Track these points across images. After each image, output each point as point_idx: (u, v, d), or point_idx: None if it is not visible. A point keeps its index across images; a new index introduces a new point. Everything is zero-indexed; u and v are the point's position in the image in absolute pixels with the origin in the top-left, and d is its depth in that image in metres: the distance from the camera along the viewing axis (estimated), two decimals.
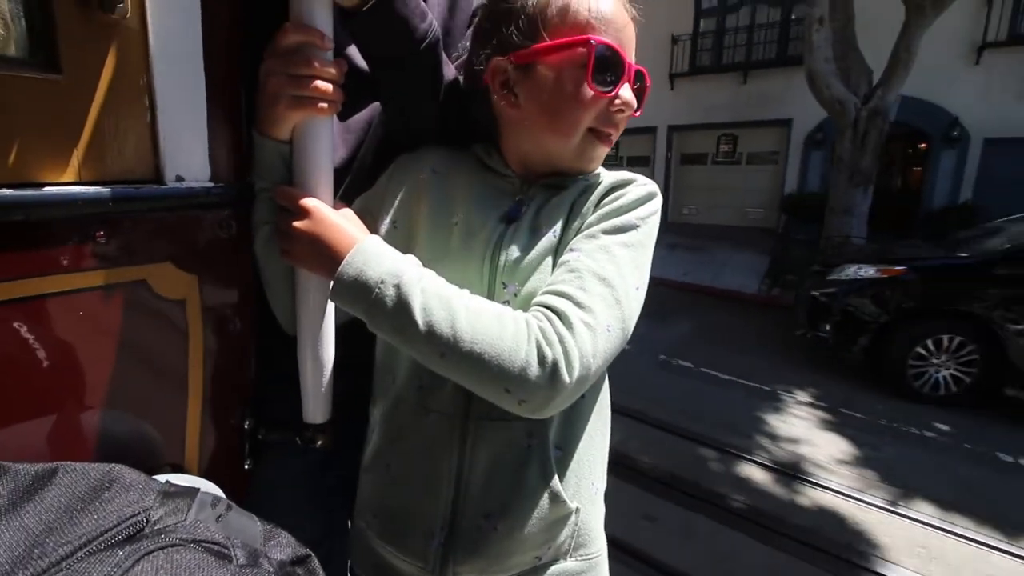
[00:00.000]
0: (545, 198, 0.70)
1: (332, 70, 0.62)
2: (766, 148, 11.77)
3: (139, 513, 0.39)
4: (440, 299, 0.57)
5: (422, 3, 0.67)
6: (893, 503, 2.85)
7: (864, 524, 2.68)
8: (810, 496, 2.92)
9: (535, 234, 0.66)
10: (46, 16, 0.48)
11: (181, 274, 0.63)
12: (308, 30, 0.60)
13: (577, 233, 0.66)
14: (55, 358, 0.54)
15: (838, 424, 3.78)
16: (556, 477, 0.66)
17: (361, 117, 0.79)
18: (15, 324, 0.51)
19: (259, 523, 0.46)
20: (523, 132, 0.70)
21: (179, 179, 0.60)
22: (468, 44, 0.76)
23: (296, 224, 0.63)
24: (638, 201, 0.67)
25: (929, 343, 4.05)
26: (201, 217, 0.64)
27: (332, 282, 0.61)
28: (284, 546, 0.46)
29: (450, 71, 0.76)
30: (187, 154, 0.61)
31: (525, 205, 0.69)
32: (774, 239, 9.29)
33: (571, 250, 0.63)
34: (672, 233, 10.58)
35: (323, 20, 0.61)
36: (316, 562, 0.46)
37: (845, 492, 2.93)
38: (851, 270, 4.49)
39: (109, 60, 0.53)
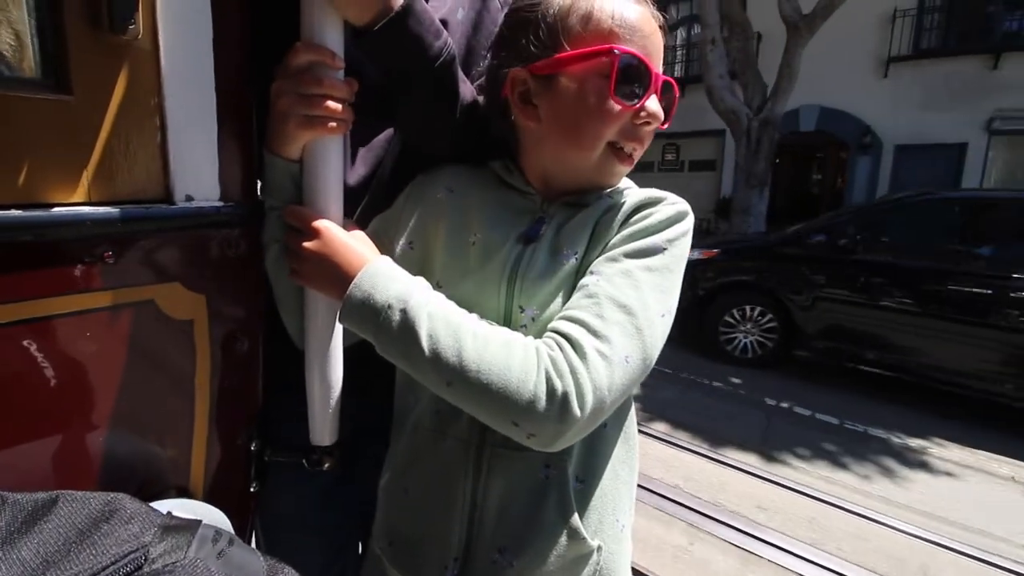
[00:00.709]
0: (566, 216, 0.66)
1: (343, 89, 0.62)
2: (705, 156, 12.90)
3: (138, 549, 0.38)
4: (447, 325, 0.55)
5: (437, 21, 0.66)
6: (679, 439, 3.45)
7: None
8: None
9: (555, 256, 0.63)
10: (57, 37, 0.48)
11: (189, 294, 0.62)
12: (319, 49, 0.60)
13: (600, 256, 0.62)
14: (62, 378, 0.54)
15: (671, 382, 4.47)
16: (575, 512, 0.62)
17: (380, 136, 0.78)
18: (23, 344, 0.51)
19: (262, 559, 0.44)
20: (543, 146, 0.67)
21: (189, 199, 0.60)
22: (487, 58, 0.74)
23: (305, 244, 0.62)
24: (666, 222, 0.63)
25: (735, 313, 4.84)
26: (210, 236, 0.63)
27: (341, 304, 0.60)
28: None
29: (468, 90, 0.74)
30: (197, 173, 0.60)
31: (545, 224, 0.66)
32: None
33: (591, 273, 0.60)
34: None
35: (334, 39, 0.61)
36: None
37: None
38: (693, 254, 4.98)
39: (120, 81, 0.53)
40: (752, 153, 7.38)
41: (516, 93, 0.66)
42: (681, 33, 12.75)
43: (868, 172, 9.77)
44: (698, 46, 8.09)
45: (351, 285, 0.58)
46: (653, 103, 0.63)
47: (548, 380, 0.52)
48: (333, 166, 0.65)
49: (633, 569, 0.83)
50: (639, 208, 0.64)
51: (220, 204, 0.62)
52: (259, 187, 0.70)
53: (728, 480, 2.99)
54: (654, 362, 0.58)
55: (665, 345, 0.60)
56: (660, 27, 0.64)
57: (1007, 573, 2.32)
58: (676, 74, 12.43)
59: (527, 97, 0.66)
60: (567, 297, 0.61)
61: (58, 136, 0.50)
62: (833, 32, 7.78)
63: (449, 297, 0.60)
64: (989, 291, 3.76)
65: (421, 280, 0.60)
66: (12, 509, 0.39)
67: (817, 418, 3.88)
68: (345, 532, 0.93)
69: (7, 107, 0.46)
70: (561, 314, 0.58)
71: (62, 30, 0.48)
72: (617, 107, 0.61)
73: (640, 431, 0.79)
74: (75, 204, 0.52)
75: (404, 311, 0.55)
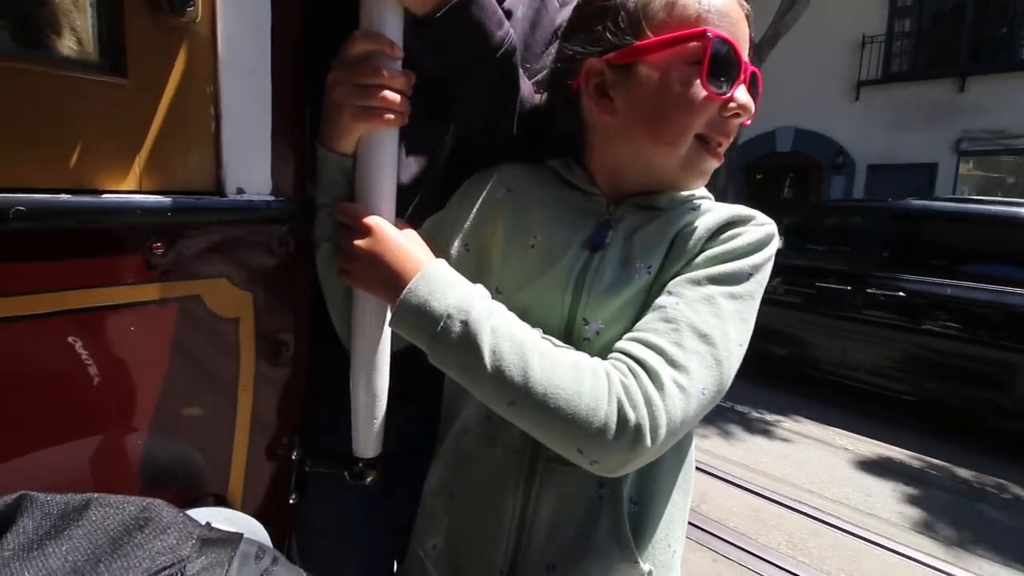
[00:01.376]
0: (637, 222, 0.62)
1: (400, 80, 0.58)
2: None
3: (174, 564, 0.35)
4: (512, 342, 0.52)
5: (499, 10, 0.63)
6: None
7: None
8: None
9: (626, 267, 0.59)
10: (114, 16, 0.47)
11: (236, 291, 0.60)
12: (377, 38, 0.57)
13: (678, 274, 0.58)
14: (102, 373, 0.52)
15: None
16: (629, 534, 0.60)
17: (434, 133, 0.75)
18: (64, 336, 0.49)
19: None
20: (619, 142, 0.63)
21: (240, 191, 0.57)
22: (552, 53, 0.70)
23: (357, 243, 0.59)
24: (755, 246, 0.58)
25: None
26: (260, 232, 0.61)
27: (393, 308, 0.56)
28: None
29: (527, 86, 0.71)
30: (250, 166, 0.58)
31: (612, 229, 0.62)
32: None
33: (668, 293, 0.56)
34: None
35: (393, 28, 0.58)
36: None
37: None
38: None
39: (176, 65, 0.51)
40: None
41: (591, 85, 0.62)
42: None
43: (842, 191, 9.99)
44: None
45: (406, 289, 0.55)
46: (743, 93, 0.59)
47: (620, 409, 0.50)
48: (388, 162, 0.61)
49: None
50: (726, 226, 0.60)
51: (271, 199, 0.60)
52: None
53: None
54: (726, 392, 0.55)
55: None
56: (746, 15, 0.60)
57: (802, 516, 2.89)
58: None
59: (603, 89, 0.61)
60: (637, 314, 0.57)
61: (111, 120, 0.49)
62: (806, 57, 8.74)
63: (509, 306, 0.57)
64: (849, 287, 4.25)
65: (480, 288, 0.57)
66: (41, 511, 0.36)
67: None
68: (383, 550, 0.89)
69: (60, 87, 0.45)
70: (634, 335, 0.55)
71: (120, 8, 0.47)
72: (706, 95, 0.56)
73: None
74: (125, 192, 0.51)
75: (465, 323, 0.52)
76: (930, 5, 9.09)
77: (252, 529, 0.62)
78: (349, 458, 0.70)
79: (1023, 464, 3.61)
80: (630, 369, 0.52)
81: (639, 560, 0.60)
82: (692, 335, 0.53)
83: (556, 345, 0.55)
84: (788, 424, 4.09)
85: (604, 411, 0.49)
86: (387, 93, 0.57)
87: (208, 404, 0.62)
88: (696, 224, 0.60)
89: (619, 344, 0.55)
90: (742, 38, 0.59)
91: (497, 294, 0.61)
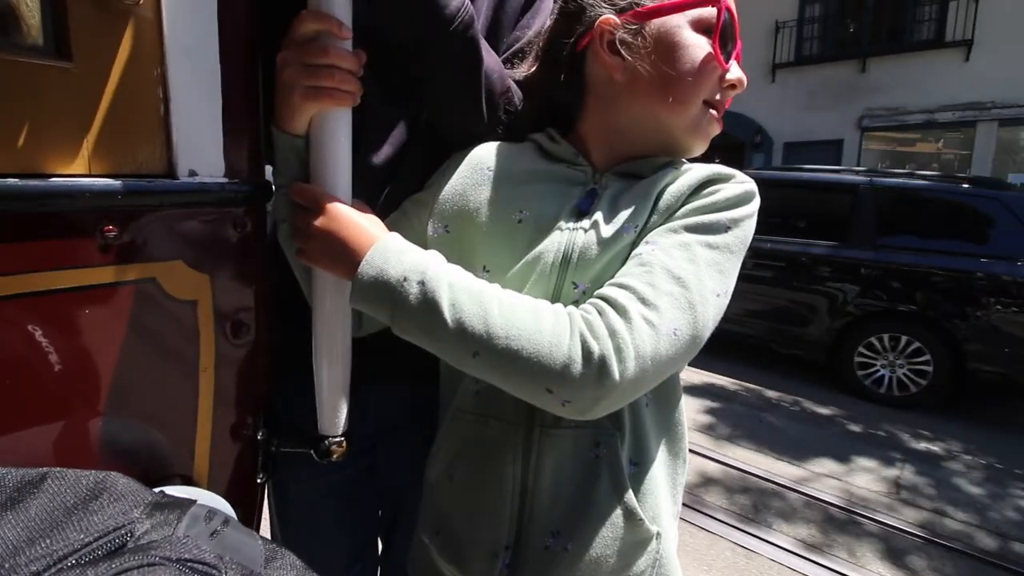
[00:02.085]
0: (622, 187, 0.63)
1: (350, 60, 0.59)
2: None
3: (123, 526, 0.35)
4: (470, 293, 0.52)
5: None
6: None
7: None
8: None
9: (612, 227, 0.59)
10: (57, 1, 0.46)
11: (193, 273, 0.60)
12: (325, 17, 0.58)
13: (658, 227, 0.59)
14: (58, 358, 0.52)
15: None
16: (631, 491, 0.60)
17: (403, 113, 0.74)
18: (15, 321, 0.49)
19: (260, 541, 0.42)
20: (626, 102, 0.64)
21: (192, 174, 0.58)
22: (530, 25, 0.73)
23: (311, 222, 0.60)
24: (734, 200, 0.59)
25: None
26: (215, 214, 0.61)
27: (351, 283, 0.57)
28: (287, 568, 0.42)
29: (493, 60, 0.71)
30: (201, 148, 0.58)
31: (598, 196, 0.63)
32: None
33: (646, 243, 0.57)
34: None
35: (341, 8, 0.59)
36: None
37: None
38: None
39: (122, 49, 0.51)
40: None
41: (605, 41, 0.63)
42: None
43: (761, 167, 10.88)
44: None
45: (362, 262, 0.55)
46: (737, 68, 0.63)
47: (584, 342, 0.49)
48: (340, 142, 0.63)
49: None
50: (707, 183, 0.61)
51: (225, 180, 0.61)
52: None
53: None
54: (704, 342, 0.55)
55: None
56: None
57: None
58: None
59: (615, 48, 0.62)
60: (621, 270, 0.58)
61: (58, 104, 0.48)
62: None
63: (501, 284, 0.57)
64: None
65: (435, 252, 0.58)
66: None
67: None
68: (366, 529, 0.91)
69: (4, 71, 0.45)
70: (610, 281, 0.55)
71: None
72: (715, 61, 0.60)
73: None
74: (74, 175, 0.50)
75: (422, 282, 0.53)
76: None
77: (215, 502, 0.63)
78: (315, 436, 0.72)
79: (824, 385, 4.37)
80: (596, 308, 0.52)
81: (644, 518, 0.60)
82: (665, 276, 0.53)
83: (518, 295, 0.55)
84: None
85: (567, 345, 0.49)
86: (336, 74, 0.58)
87: (169, 386, 0.62)
88: (677, 182, 0.61)
89: (596, 292, 0.55)
90: (736, 17, 0.63)
91: (484, 273, 0.61)
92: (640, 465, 0.62)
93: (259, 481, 0.75)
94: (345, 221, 0.59)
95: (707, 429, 3.56)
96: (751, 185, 0.61)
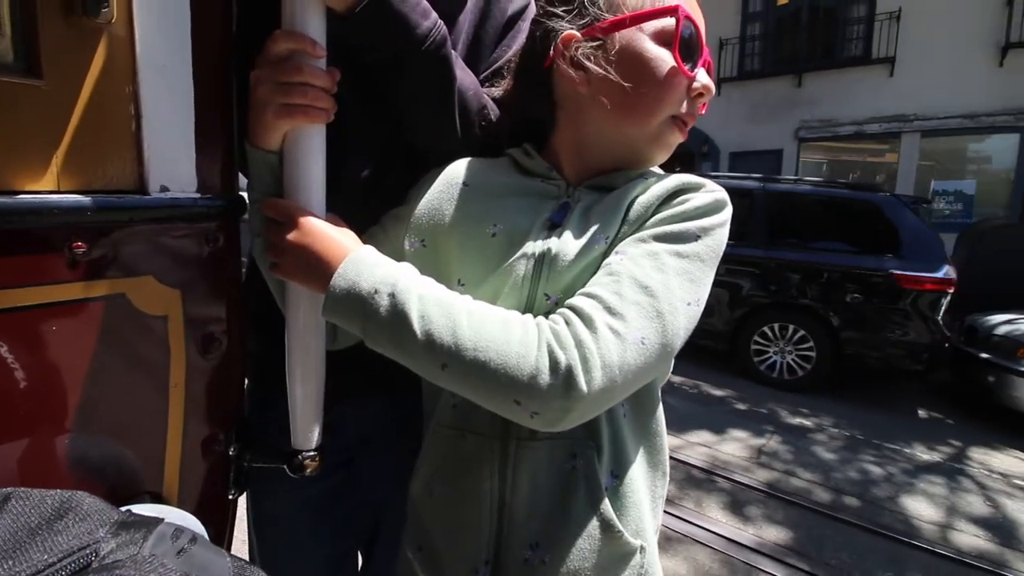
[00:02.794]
0: (593, 200, 0.64)
1: (323, 78, 0.60)
2: None
3: (88, 546, 0.35)
4: (440, 305, 0.53)
5: (424, 1, 0.64)
6: None
7: None
8: None
9: (583, 239, 0.59)
10: (28, 18, 0.46)
11: (163, 289, 0.60)
12: (298, 37, 0.59)
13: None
14: (25, 375, 0.51)
15: None
16: (609, 506, 0.60)
17: (380, 130, 0.74)
18: None
19: (228, 559, 0.42)
20: (591, 115, 0.64)
21: (164, 189, 0.58)
22: (510, 44, 0.74)
23: (284, 236, 0.60)
24: (704, 209, 0.59)
25: None
26: (186, 229, 0.61)
27: (324, 296, 0.57)
28: None
29: (469, 78, 0.72)
30: (173, 164, 0.59)
31: (571, 208, 0.63)
32: None
33: (616, 253, 0.57)
34: None
35: (315, 27, 0.60)
36: None
37: None
38: None
39: (93, 66, 0.51)
40: None
41: (568, 57, 0.63)
42: None
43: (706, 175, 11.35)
44: None
45: (334, 275, 0.55)
46: (704, 76, 0.63)
47: (551, 353, 0.49)
48: (314, 157, 0.64)
49: None
50: (676, 193, 0.61)
51: (197, 196, 0.61)
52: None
53: None
54: (676, 351, 0.55)
55: None
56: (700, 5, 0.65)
57: None
58: None
59: (578, 62, 0.63)
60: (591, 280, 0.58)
61: (27, 121, 0.48)
62: None
63: (474, 296, 0.57)
64: None
65: (407, 264, 0.58)
66: None
67: None
68: (345, 542, 0.90)
69: None
70: (579, 291, 0.55)
71: (32, 11, 0.46)
72: (678, 72, 0.61)
73: None
74: (43, 192, 0.50)
75: (392, 295, 0.53)
76: (774, 11, 10.27)
77: (184, 520, 0.62)
78: (289, 451, 0.72)
79: (726, 371, 4.88)
80: (564, 318, 0.52)
81: (622, 530, 0.60)
82: (632, 286, 0.52)
83: (488, 305, 0.55)
84: None
85: (534, 356, 0.49)
86: (310, 92, 0.59)
87: (139, 402, 0.61)
88: (648, 191, 0.61)
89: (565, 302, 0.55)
90: (701, 25, 0.63)
91: (460, 286, 0.62)
92: (621, 478, 0.62)
93: (231, 497, 0.75)
94: (318, 235, 0.60)
95: None
96: (721, 194, 0.61)
